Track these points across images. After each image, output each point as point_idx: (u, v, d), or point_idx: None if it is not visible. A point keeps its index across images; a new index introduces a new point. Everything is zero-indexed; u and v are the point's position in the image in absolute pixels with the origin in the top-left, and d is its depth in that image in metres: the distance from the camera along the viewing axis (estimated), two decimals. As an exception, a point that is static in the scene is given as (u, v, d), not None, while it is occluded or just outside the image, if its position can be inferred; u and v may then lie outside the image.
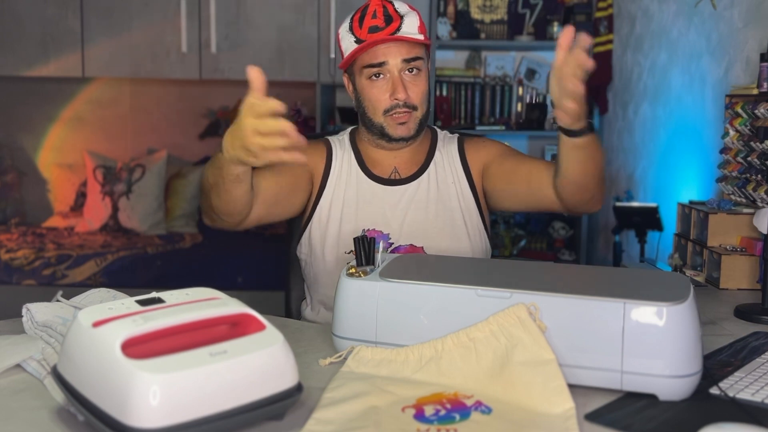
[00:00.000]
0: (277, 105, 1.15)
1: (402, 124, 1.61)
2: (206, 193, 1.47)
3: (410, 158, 1.70)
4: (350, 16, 1.62)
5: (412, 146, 1.69)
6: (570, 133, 1.37)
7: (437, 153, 1.71)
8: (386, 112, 1.60)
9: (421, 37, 1.58)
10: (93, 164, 4.43)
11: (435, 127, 1.79)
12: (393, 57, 1.57)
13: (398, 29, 1.56)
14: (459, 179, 1.69)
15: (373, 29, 1.56)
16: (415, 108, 1.61)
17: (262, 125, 1.16)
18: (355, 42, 1.58)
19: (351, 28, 1.60)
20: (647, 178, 3.45)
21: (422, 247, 1.63)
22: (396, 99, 1.58)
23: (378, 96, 1.59)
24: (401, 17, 1.57)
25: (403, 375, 1.11)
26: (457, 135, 1.77)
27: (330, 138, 1.74)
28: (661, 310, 1.03)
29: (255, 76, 1.15)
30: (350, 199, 1.66)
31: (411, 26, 1.58)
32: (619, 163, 3.81)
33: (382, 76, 1.59)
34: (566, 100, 1.24)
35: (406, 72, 1.59)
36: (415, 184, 1.67)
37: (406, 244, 1.63)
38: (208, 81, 4.29)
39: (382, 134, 1.63)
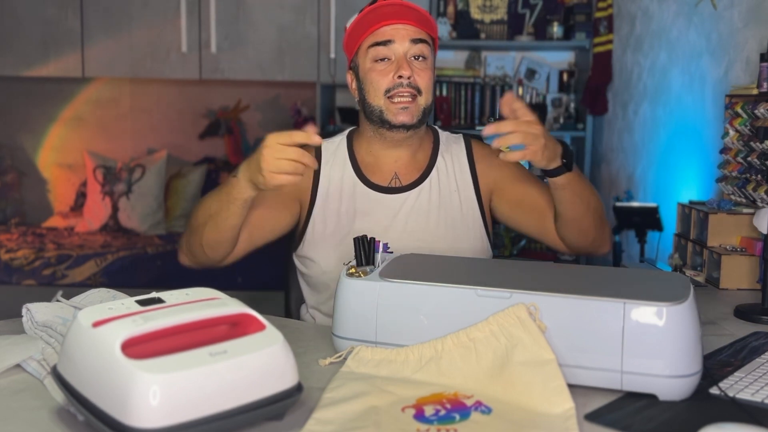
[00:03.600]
0: (300, 137, 1.25)
1: (404, 108, 1.55)
2: (196, 228, 1.50)
3: (411, 162, 1.66)
4: (360, 9, 1.61)
5: (412, 147, 1.65)
6: (549, 173, 1.42)
7: (440, 158, 1.67)
8: (388, 92, 1.55)
9: (429, 19, 1.59)
10: (93, 164, 4.44)
11: (435, 126, 1.76)
12: (400, 38, 1.56)
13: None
14: (464, 186, 1.66)
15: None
16: (419, 92, 1.56)
17: (280, 150, 1.28)
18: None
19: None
20: (647, 178, 3.45)
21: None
22: (400, 77, 1.54)
23: (381, 77, 1.56)
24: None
25: (403, 375, 1.11)
26: (461, 136, 1.73)
27: (324, 142, 1.68)
28: (661, 310, 1.03)
29: (312, 137, 1.27)
30: (345, 210, 1.62)
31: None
32: (619, 163, 3.81)
33: (387, 59, 1.56)
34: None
35: (413, 57, 1.57)
36: (416, 192, 1.64)
37: (405, 253, 1.60)
38: (208, 81, 4.29)
39: (382, 121, 1.57)
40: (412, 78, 1.55)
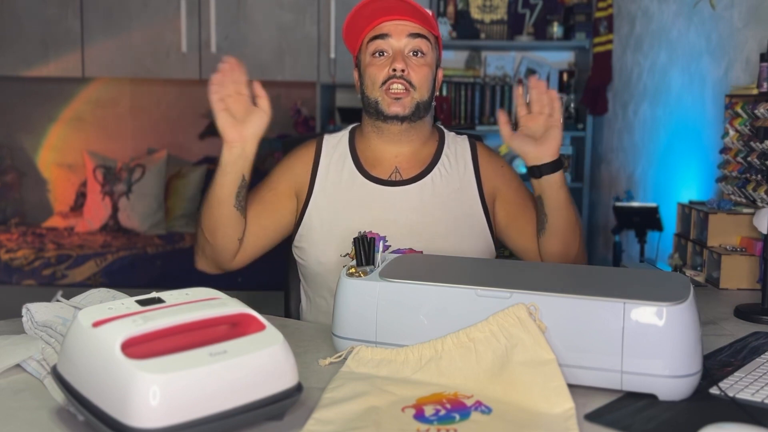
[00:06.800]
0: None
1: (397, 99, 1.58)
2: (200, 219, 1.58)
3: (413, 157, 1.66)
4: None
5: (413, 143, 1.65)
6: (545, 168, 1.49)
7: (444, 156, 1.68)
8: (383, 84, 1.58)
9: (428, 12, 1.60)
10: (93, 164, 4.44)
11: (441, 126, 1.76)
12: (398, 33, 1.58)
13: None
14: (468, 185, 1.66)
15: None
16: (413, 86, 1.58)
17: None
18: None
19: None
20: (647, 178, 3.45)
21: (422, 251, 1.60)
22: (393, 69, 1.57)
23: (378, 71, 1.59)
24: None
25: (402, 375, 1.11)
26: (466, 137, 1.74)
27: (326, 136, 1.72)
28: (661, 310, 1.03)
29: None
30: (342, 200, 1.62)
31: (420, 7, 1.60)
32: (619, 163, 3.82)
33: (385, 53, 1.59)
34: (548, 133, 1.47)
35: (411, 53, 1.59)
36: (418, 186, 1.64)
37: (405, 248, 1.60)
38: (208, 81, 4.28)
39: (377, 112, 1.60)
40: (406, 71, 1.57)
